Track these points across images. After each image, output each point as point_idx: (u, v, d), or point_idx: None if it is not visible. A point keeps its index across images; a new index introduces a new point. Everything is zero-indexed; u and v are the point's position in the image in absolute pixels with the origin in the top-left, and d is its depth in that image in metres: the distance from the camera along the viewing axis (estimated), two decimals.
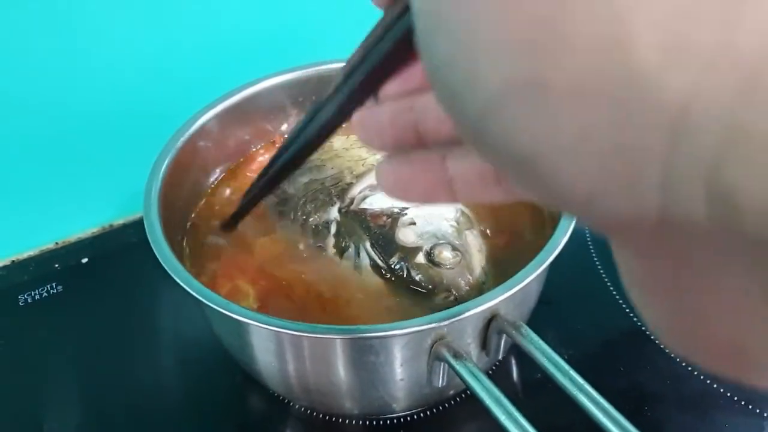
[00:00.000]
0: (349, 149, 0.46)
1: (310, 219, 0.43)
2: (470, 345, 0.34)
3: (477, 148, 0.14)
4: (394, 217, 0.41)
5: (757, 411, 0.41)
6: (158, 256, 0.35)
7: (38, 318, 0.49)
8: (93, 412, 0.43)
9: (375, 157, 0.45)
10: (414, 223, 0.41)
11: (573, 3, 0.10)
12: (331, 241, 0.42)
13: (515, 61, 0.11)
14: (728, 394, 0.41)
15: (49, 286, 0.51)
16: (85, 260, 0.53)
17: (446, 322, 0.31)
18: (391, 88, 0.20)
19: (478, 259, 0.40)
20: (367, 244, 0.41)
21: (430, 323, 0.31)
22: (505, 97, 0.12)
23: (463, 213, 0.42)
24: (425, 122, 0.20)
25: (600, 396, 0.29)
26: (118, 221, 0.57)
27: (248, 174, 0.49)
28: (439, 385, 0.34)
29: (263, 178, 0.24)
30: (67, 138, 0.51)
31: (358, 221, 0.42)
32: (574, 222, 0.35)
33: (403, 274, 0.39)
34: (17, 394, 0.44)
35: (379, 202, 0.43)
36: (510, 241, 0.42)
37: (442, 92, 0.13)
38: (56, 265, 0.53)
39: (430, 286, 0.38)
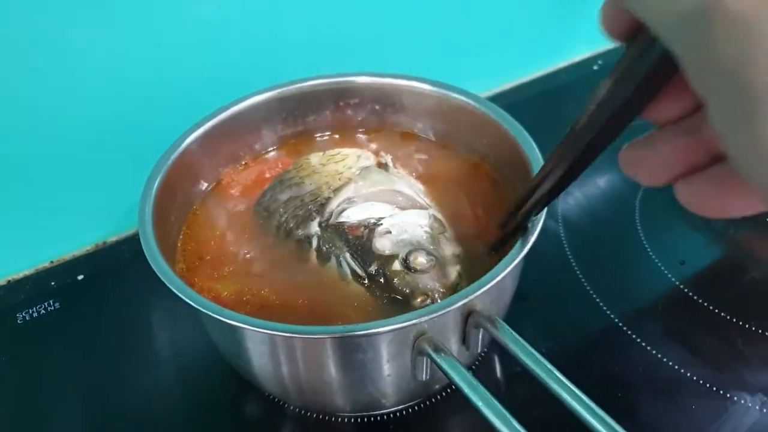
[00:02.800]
0: (326, 165, 0.48)
1: (292, 234, 0.45)
2: (450, 340, 0.36)
3: None
4: (371, 228, 0.43)
5: (721, 392, 0.43)
6: (155, 269, 0.37)
7: (37, 335, 0.50)
8: (93, 425, 0.45)
9: (351, 171, 0.47)
10: (390, 232, 0.42)
11: None
12: (313, 254, 0.44)
13: None
14: (694, 378, 0.44)
15: (46, 304, 0.52)
16: (80, 277, 0.55)
17: (425, 318, 0.33)
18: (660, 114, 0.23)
19: (452, 263, 0.41)
20: (347, 255, 0.42)
21: (411, 320, 0.33)
22: None
23: (436, 218, 0.44)
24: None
25: (570, 383, 0.32)
26: (112, 238, 0.59)
27: (232, 190, 0.51)
28: (423, 379, 0.37)
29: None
30: (59, 158, 0.52)
31: (337, 234, 0.44)
32: (542, 220, 0.37)
33: (381, 281, 0.41)
34: (19, 409, 0.46)
35: (356, 214, 0.44)
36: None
37: None
38: (52, 283, 0.55)
39: (407, 291, 0.40)
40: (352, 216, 0.44)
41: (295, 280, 0.43)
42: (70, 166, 0.53)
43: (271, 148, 0.54)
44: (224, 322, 0.34)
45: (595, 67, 0.77)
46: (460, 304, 0.33)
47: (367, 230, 0.43)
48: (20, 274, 0.56)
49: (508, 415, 0.30)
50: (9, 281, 0.55)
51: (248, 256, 0.45)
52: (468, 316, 0.36)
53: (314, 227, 0.45)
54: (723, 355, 0.46)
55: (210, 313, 0.34)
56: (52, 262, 0.57)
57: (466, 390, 0.32)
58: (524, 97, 0.73)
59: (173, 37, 0.52)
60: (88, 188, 0.55)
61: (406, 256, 0.41)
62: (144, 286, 0.54)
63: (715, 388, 0.44)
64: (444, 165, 0.51)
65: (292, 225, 0.45)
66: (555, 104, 0.72)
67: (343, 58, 0.60)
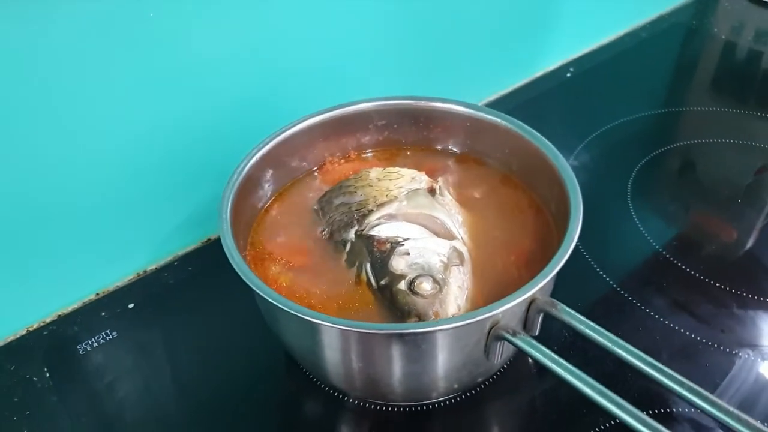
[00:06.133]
0: (381, 180, 0.53)
1: (333, 236, 0.51)
2: (518, 326, 0.42)
3: None
4: (393, 246, 0.47)
5: (728, 350, 0.51)
6: (243, 278, 0.41)
7: (100, 363, 0.53)
8: None
9: (400, 190, 0.52)
10: (408, 254, 0.46)
11: None
12: (344, 257, 0.50)
13: None
14: (704, 341, 0.52)
15: (104, 333, 0.55)
16: (131, 305, 0.58)
17: (501, 309, 0.39)
18: None
19: (455, 295, 0.45)
20: (368, 265, 0.48)
21: (491, 311, 0.38)
22: None
23: (456, 250, 0.47)
24: None
25: (627, 344, 0.39)
26: (151, 267, 0.62)
27: (288, 200, 0.56)
28: (496, 362, 0.42)
29: None
30: (97, 191, 0.55)
31: (366, 244, 0.49)
32: (578, 232, 0.44)
33: (388, 295, 0.45)
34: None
35: (386, 230, 0.49)
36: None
37: None
38: (103, 314, 0.57)
39: (405, 309, 0.44)
40: (382, 231, 0.49)
41: (327, 276, 0.49)
42: (107, 199, 0.56)
43: (316, 166, 0.59)
44: (306, 320, 0.39)
45: (568, 74, 0.85)
46: (530, 294, 0.39)
47: (390, 247, 0.48)
48: (69, 308, 0.58)
49: (589, 378, 0.37)
50: (59, 315, 0.57)
51: (299, 249, 0.51)
52: (531, 303, 0.41)
53: (351, 234, 0.50)
54: (724, 319, 0.53)
55: (294, 312, 0.39)
56: (97, 294, 0.59)
57: (548, 362, 0.38)
58: (510, 106, 0.80)
59: (218, 77, 0.56)
60: (126, 221, 0.58)
61: (413, 279, 0.45)
62: (196, 306, 0.58)
63: (722, 348, 0.51)
64: (475, 177, 0.57)
65: (335, 228, 0.51)
66: (535, 111, 0.79)
67: (350, 83, 0.66)
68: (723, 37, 0.94)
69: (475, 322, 0.38)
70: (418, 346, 0.40)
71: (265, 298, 0.40)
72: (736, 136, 0.74)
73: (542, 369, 0.50)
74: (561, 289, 0.46)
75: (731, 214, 0.65)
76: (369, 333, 0.39)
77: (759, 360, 0.50)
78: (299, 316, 0.39)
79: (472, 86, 0.79)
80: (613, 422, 0.46)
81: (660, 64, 0.90)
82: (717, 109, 0.80)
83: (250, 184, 0.51)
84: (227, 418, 0.49)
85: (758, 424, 0.34)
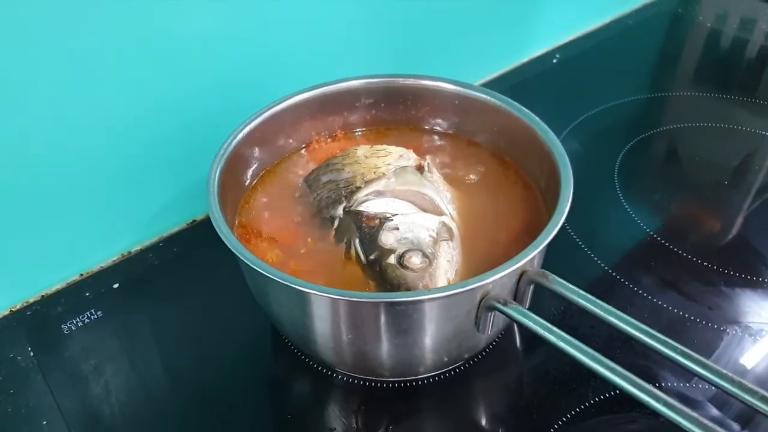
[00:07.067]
0: (369, 157, 0.52)
1: (321, 212, 0.51)
2: (509, 297, 0.42)
3: None
4: (382, 221, 0.47)
5: (715, 327, 0.51)
6: (232, 248, 0.41)
7: (85, 341, 0.52)
8: (151, 418, 0.47)
9: (388, 167, 0.51)
10: (397, 229, 0.46)
11: None
12: (333, 233, 0.49)
13: None
14: (691, 318, 0.52)
15: (89, 313, 0.54)
16: (116, 285, 0.57)
17: (490, 280, 0.38)
18: None
19: (444, 269, 0.45)
20: (357, 241, 0.47)
21: (481, 281, 0.38)
22: None
23: (445, 225, 0.48)
24: None
25: (622, 312, 0.39)
26: (136, 248, 0.61)
27: (274, 176, 0.56)
28: (487, 333, 0.42)
29: None
30: (82, 174, 0.54)
31: (354, 220, 0.48)
32: (569, 203, 0.44)
33: (377, 270, 0.45)
34: (87, 413, 0.48)
35: (375, 206, 0.49)
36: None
37: None
38: (87, 294, 0.56)
39: (395, 283, 0.43)
40: (371, 207, 0.49)
41: (315, 253, 0.49)
42: (92, 180, 0.55)
43: (303, 144, 0.59)
44: (304, 292, 0.38)
45: (554, 60, 0.86)
46: (521, 263, 0.39)
47: (378, 222, 0.48)
48: (53, 289, 0.57)
49: (582, 344, 0.37)
50: (43, 296, 0.57)
51: (287, 227, 0.51)
52: (521, 275, 0.41)
53: (339, 210, 0.50)
54: (711, 296, 0.54)
55: (290, 284, 0.38)
56: (81, 274, 0.58)
57: (541, 331, 0.37)
58: (496, 91, 0.79)
59: (198, 63, 0.55)
60: (111, 202, 0.57)
61: (403, 254, 0.45)
62: (181, 286, 0.58)
63: (709, 324, 0.51)
64: (464, 156, 0.57)
65: (323, 205, 0.51)
66: (521, 96, 0.79)
67: (335, 70, 0.65)
68: (708, 24, 0.95)
69: (465, 291, 0.38)
70: (408, 315, 0.40)
71: (254, 269, 0.39)
72: (720, 120, 0.75)
73: (529, 346, 0.51)
74: (550, 268, 0.45)
75: (718, 195, 0.65)
76: (360, 302, 0.39)
77: (746, 336, 0.50)
78: (289, 286, 0.38)
79: (459, 71, 0.78)
80: (601, 397, 0.46)
81: (645, 51, 0.90)
82: (702, 95, 0.80)
83: (237, 160, 0.51)
84: (213, 397, 0.48)
85: (752, 385, 0.34)
